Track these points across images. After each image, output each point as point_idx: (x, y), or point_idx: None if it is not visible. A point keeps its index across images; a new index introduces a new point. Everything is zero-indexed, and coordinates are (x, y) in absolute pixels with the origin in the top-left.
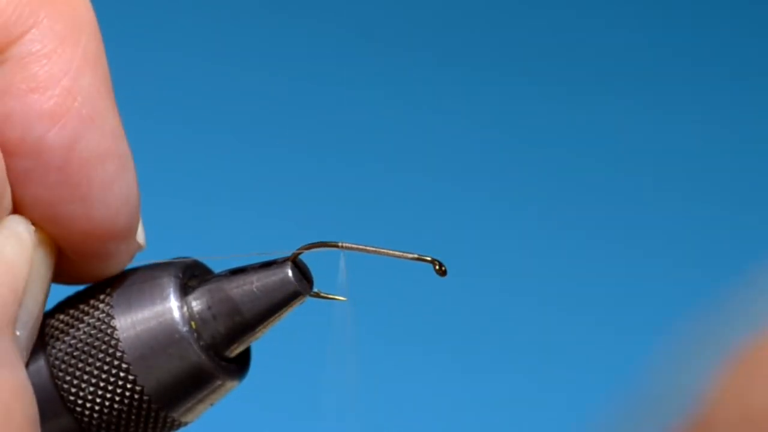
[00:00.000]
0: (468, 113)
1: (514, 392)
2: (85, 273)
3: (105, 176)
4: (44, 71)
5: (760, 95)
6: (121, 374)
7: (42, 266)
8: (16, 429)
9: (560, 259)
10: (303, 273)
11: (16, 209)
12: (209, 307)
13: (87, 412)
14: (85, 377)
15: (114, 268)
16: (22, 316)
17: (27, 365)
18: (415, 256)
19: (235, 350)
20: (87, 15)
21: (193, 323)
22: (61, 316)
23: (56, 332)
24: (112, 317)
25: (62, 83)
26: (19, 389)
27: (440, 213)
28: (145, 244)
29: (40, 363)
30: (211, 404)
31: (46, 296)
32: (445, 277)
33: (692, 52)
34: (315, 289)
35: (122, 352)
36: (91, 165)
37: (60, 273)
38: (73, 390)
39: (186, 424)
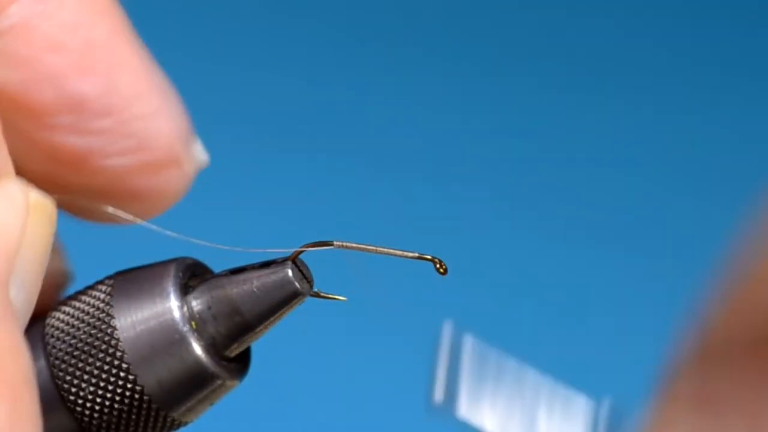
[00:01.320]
0: (468, 113)
1: None
2: (155, 203)
3: (149, 110)
4: (57, 28)
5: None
6: (122, 374)
7: (39, 228)
8: (7, 384)
9: (560, 258)
10: (303, 273)
11: (77, 167)
12: (209, 307)
13: (87, 412)
14: (85, 377)
15: (180, 186)
16: (17, 278)
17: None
18: (416, 254)
19: (236, 350)
20: None
21: (193, 323)
22: (62, 316)
23: (56, 332)
24: (112, 317)
25: (79, 35)
26: (12, 346)
27: (440, 213)
28: (208, 158)
29: (40, 363)
30: (212, 404)
31: (46, 260)
32: (446, 276)
33: (692, 52)
34: (315, 289)
35: (122, 352)
36: (133, 104)
37: (126, 210)
38: (73, 390)
39: (186, 423)
